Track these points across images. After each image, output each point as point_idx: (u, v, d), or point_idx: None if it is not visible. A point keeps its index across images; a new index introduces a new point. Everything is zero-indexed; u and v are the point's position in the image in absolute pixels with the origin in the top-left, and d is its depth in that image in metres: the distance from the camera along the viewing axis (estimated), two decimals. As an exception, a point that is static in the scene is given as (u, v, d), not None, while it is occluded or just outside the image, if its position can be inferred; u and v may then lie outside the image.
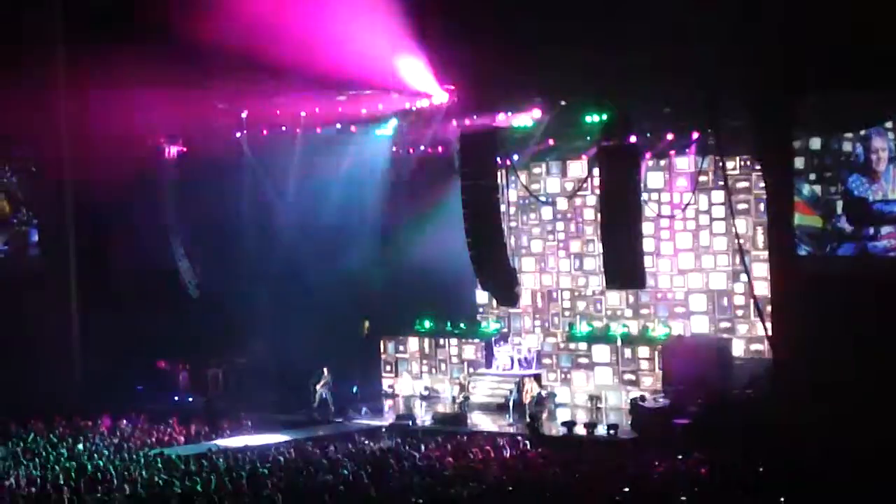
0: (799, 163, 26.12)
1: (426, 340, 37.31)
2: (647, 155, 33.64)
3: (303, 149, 35.88)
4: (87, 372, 35.94)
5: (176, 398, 35.89)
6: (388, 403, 36.11)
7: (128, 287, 35.87)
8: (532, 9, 28.78)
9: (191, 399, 35.73)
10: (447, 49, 29.83)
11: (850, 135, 25.28)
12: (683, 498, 19.68)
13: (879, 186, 24.94)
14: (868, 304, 24.66)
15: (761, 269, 32.17)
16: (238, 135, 35.58)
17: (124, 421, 30.71)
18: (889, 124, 24.81)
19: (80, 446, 27.25)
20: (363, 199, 37.57)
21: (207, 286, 36.10)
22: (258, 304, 37.38)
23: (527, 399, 32.30)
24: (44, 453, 26.02)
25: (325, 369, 34.45)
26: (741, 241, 32.33)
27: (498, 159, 32.04)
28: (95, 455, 25.81)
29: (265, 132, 35.48)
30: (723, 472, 22.05)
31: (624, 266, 29.93)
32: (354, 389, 33.95)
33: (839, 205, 25.54)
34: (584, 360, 34.49)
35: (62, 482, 22.01)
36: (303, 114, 34.48)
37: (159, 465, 24.05)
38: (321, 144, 36.07)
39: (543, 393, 33.79)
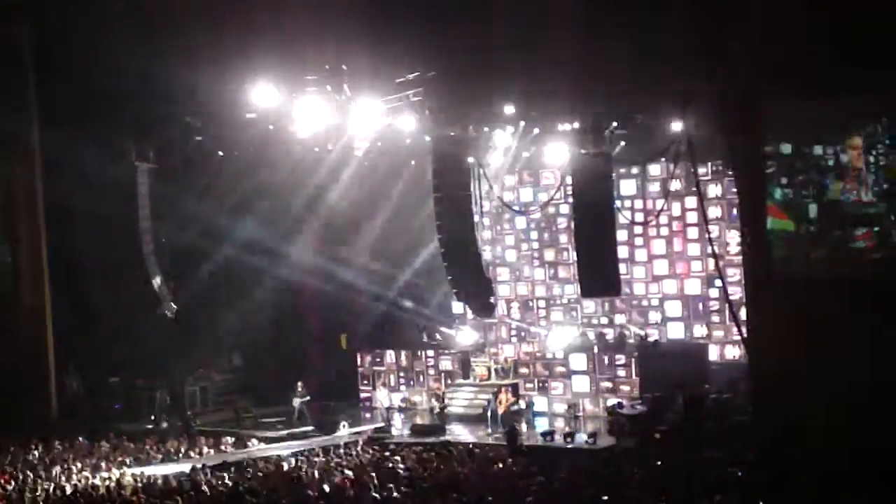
0: (771, 167, 26.22)
1: (402, 353, 37.28)
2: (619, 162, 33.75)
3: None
4: (63, 392, 35.80)
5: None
6: (365, 416, 36.05)
7: (103, 306, 35.73)
8: (501, 16, 28.79)
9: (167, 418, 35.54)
10: (416, 57, 29.76)
11: (821, 139, 25.38)
12: (663, 502, 19.69)
13: (853, 188, 25.06)
14: (842, 306, 24.77)
15: (735, 274, 32.34)
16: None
17: (103, 441, 30.58)
18: (860, 128, 24.95)
19: (58, 467, 27.12)
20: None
21: (183, 304, 35.97)
22: (234, 320, 37.42)
23: (501, 409, 32.29)
24: (20, 476, 25.87)
25: (299, 383, 34.53)
26: (715, 246, 32.48)
27: (471, 169, 32.05)
28: (74, 476, 25.70)
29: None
30: (701, 476, 22.10)
31: (599, 274, 30.01)
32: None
33: (812, 208, 25.65)
34: (560, 369, 34.52)
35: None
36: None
37: (138, 485, 23.96)
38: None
39: (522, 403, 33.84)
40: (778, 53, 24.90)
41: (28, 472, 26.22)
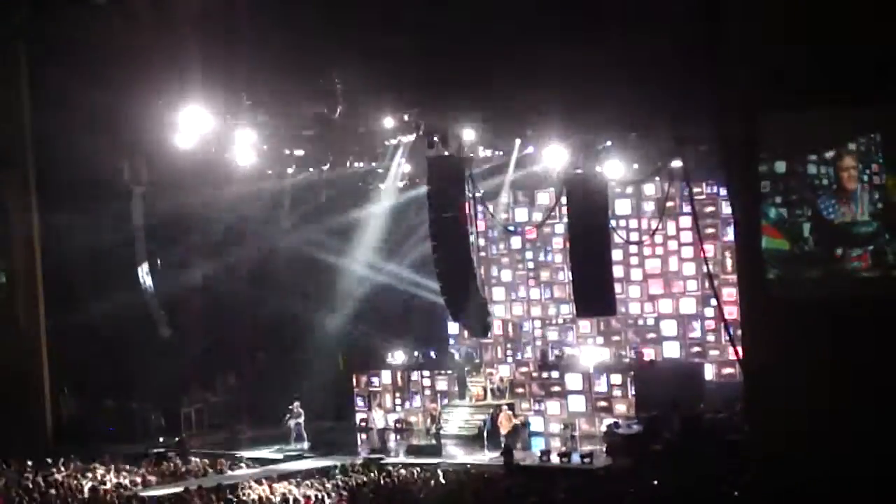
0: (765, 186, 26.23)
1: (398, 373, 37.24)
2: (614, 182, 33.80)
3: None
4: (58, 414, 35.73)
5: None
6: (361, 437, 35.99)
7: (98, 327, 35.66)
8: (490, 34, 28.80)
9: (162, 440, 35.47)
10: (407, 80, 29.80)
11: (815, 157, 25.39)
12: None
13: (848, 209, 25.07)
14: (838, 325, 24.74)
15: (731, 293, 32.36)
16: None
17: (97, 464, 30.49)
18: (853, 146, 24.96)
19: (53, 491, 27.05)
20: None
21: (178, 324, 35.96)
22: (230, 340, 37.43)
23: (504, 430, 32.23)
24: (16, 498, 25.80)
25: (296, 403, 34.52)
26: (710, 265, 32.50)
27: (466, 189, 32.08)
28: (69, 500, 25.62)
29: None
30: (698, 495, 22.09)
31: (594, 293, 30.00)
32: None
33: (806, 227, 25.63)
34: (556, 389, 34.47)
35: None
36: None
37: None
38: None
39: (519, 422, 33.83)
40: (773, 65, 24.91)
41: (24, 495, 26.18)
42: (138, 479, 28.88)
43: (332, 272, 39.00)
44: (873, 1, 23.93)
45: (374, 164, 35.97)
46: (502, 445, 30.65)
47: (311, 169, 35.90)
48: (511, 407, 34.43)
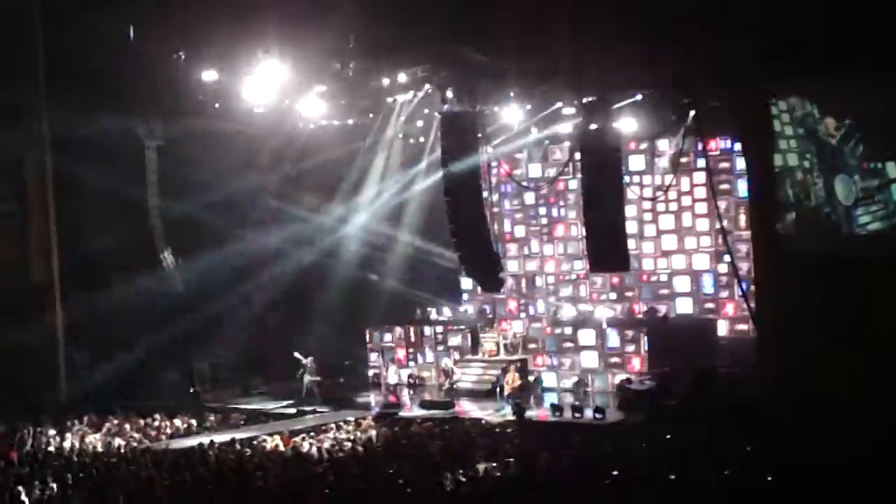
0: (780, 142, 26.12)
1: (411, 328, 37.28)
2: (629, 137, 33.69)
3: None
4: (72, 369, 35.90)
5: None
6: (374, 392, 36.09)
7: (112, 283, 35.75)
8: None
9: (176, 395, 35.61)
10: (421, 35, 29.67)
11: (827, 114, 25.24)
12: (672, 477, 19.70)
13: (862, 163, 24.94)
14: (850, 280, 24.70)
15: (744, 249, 32.29)
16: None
17: (111, 417, 30.64)
18: (861, 108, 24.78)
19: (67, 444, 27.22)
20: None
21: (191, 280, 36.01)
22: (242, 296, 37.50)
23: (507, 390, 32.32)
24: (30, 453, 25.95)
25: (309, 358, 34.60)
26: (723, 221, 32.41)
27: (479, 145, 31.98)
28: (83, 454, 25.78)
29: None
30: (710, 450, 22.12)
31: (607, 249, 29.94)
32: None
33: (820, 183, 25.55)
34: (569, 345, 34.49)
35: (52, 481, 21.98)
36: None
37: (147, 461, 24.02)
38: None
39: (531, 378, 33.89)
40: (786, 23, 24.77)
41: (41, 449, 26.38)
42: (152, 433, 29.06)
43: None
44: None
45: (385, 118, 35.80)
46: (514, 401, 30.69)
47: (323, 122, 35.80)
48: (524, 363, 34.48)
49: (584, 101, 29.73)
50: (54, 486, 21.51)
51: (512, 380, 32.56)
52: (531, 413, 30.03)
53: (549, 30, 27.84)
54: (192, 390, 35.26)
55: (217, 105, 31.97)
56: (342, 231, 39.23)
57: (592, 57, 27.96)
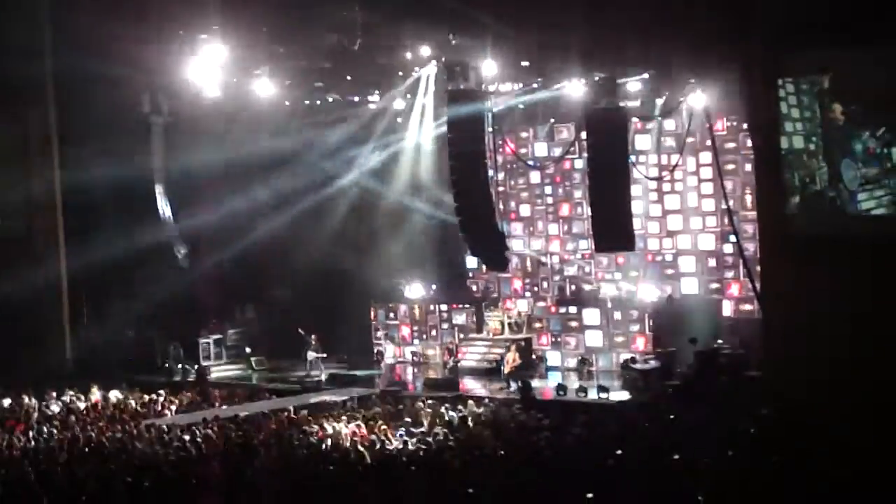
0: (786, 125, 26.07)
1: (415, 306, 37.31)
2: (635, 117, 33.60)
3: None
4: (78, 343, 35.97)
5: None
6: (378, 370, 36.12)
7: (118, 257, 35.72)
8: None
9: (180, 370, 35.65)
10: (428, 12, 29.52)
11: (835, 95, 25.19)
12: (676, 457, 19.71)
13: (867, 144, 24.89)
14: (855, 260, 24.70)
15: (750, 229, 32.25)
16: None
17: (116, 391, 30.69)
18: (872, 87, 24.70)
19: (73, 417, 27.26)
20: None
21: (197, 256, 35.98)
22: (248, 272, 37.51)
23: (507, 369, 32.31)
24: (36, 426, 26.00)
25: (313, 336, 34.62)
26: (729, 201, 32.35)
27: (486, 123, 31.89)
28: (88, 427, 25.81)
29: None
30: (714, 431, 22.11)
31: (613, 229, 29.89)
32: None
33: (825, 167, 25.52)
34: (573, 324, 34.49)
35: (57, 454, 22.03)
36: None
37: (152, 436, 24.05)
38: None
39: (534, 356, 33.92)
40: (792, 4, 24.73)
41: (44, 422, 26.40)
42: (158, 408, 29.09)
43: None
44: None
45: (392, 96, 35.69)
46: (517, 380, 30.70)
47: (330, 99, 35.69)
48: (528, 342, 34.49)
49: (596, 77, 29.61)
50: (60, 460, 21.58)
51: (512, 359, 32.57)
52: (535, 391, 30.06)
53: (558, 7, 27.76)
54: (196, 366, 35.26)
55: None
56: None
57: (607, 33, 27.86)
